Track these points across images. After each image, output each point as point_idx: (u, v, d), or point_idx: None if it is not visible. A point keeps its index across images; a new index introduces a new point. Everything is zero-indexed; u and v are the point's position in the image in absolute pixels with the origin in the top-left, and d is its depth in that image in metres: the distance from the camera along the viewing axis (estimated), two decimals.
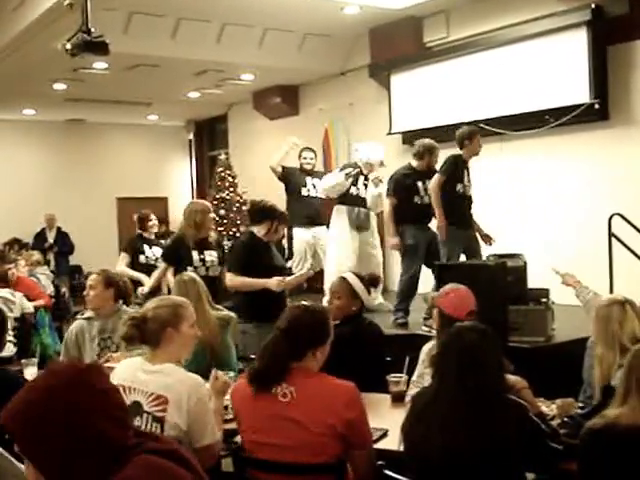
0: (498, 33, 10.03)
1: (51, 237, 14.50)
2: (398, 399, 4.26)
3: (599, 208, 8.63)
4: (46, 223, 14.49)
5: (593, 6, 8.82)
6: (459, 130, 7.87)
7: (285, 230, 7.28)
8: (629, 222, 8.21)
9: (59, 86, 12.98)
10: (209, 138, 18.16)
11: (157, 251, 8.26)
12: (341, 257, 8.78)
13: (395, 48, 11.14)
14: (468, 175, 7.84)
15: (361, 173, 8.81)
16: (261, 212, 6.30)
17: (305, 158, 9.66)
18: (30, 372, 5.02)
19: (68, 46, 7.36)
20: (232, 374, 4.48)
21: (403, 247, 8.15)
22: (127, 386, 3.42)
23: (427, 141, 8.22)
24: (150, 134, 17.99)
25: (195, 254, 6.66)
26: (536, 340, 6.51)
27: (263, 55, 11.66)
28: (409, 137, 11.32)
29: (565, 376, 4.79)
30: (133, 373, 3.50)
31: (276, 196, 11.01)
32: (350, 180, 8.74)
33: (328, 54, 12.27)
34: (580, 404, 4.04)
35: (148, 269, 7.95)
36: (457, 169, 7.72)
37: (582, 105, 8.98)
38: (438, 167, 7.90)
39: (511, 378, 3.52)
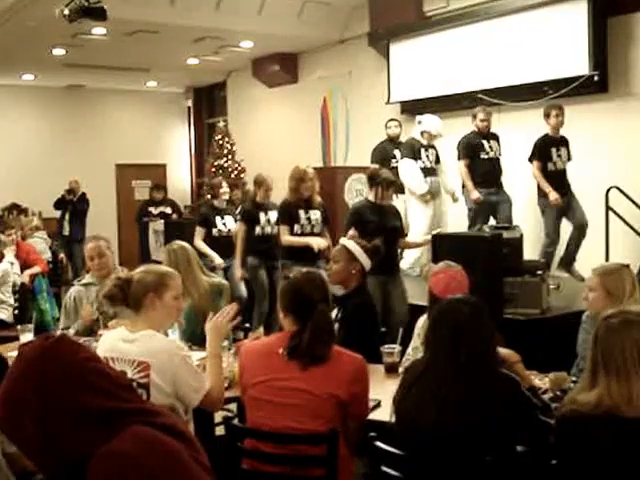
0: (498, 3, 9.97)
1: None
2: (391, 370, 4.31)
3: (596, 180, 8.64)
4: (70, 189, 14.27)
5: None
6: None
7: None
8: (626, 195, 8.24)
9: (58, 51, 12.89)
10: (208, 105, 18.04)
11: (229, 220, 8.78)
12: (421, 223, 9.25)
13: (394, 17, 11.02)
14: (558, 150, 8.51)
15: (422, 146, 9.43)
16: (369, 179, 6.99)
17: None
18: (26, 338, 5.04)
19: (66, 11, 7.36)
20: (226, 342, 4.50)
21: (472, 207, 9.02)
22: (111, 357, 3.46)
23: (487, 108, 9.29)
24: (149, 100, 17.91)
25: (302, 212, 7.40)
26: (531, 312, 6.55)
27: (262, 22, 11.57)
28: (408, 106, 11.30)
29: (559, 349, 4.81)
30: (114, 344, 3.53)
31: (272, 163, 11.04)
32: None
33: (327, 22, 12.20)
34: (573, 378, 4.06)
35: (220, 240, 8.58)
36: (544, 150, 8.49)
37: (581, 77, 8.96)
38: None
39: (503, 352, 3.53)
